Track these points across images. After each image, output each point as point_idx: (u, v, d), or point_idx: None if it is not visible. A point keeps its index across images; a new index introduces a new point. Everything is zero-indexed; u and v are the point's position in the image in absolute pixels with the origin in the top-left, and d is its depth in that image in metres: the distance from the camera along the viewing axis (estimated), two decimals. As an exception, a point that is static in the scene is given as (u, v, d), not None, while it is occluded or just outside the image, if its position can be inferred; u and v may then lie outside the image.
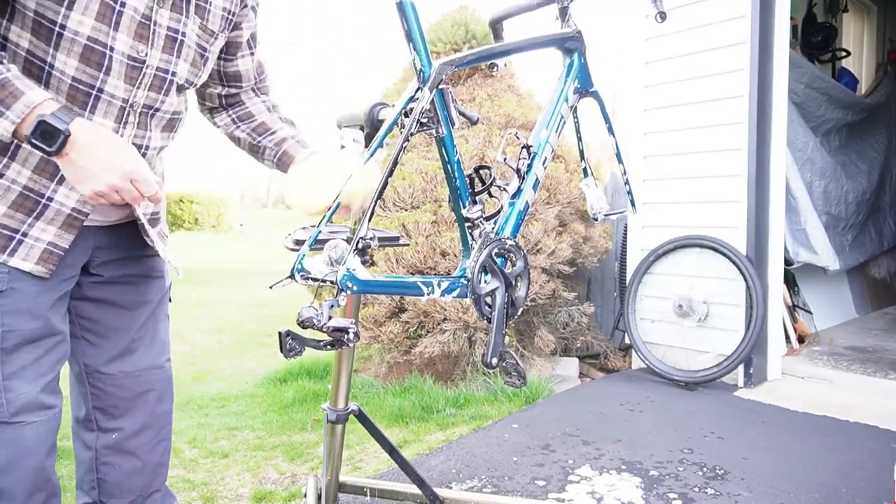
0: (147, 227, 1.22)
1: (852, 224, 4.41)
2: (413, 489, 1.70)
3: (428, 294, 1.24)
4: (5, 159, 1.06)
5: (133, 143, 1.16)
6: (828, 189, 4.10)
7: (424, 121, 1.22)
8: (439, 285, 1.26)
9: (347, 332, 1.09)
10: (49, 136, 0.93)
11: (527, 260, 1.40)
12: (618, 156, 1.71)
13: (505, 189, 1.42)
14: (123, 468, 1.30)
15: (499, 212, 1.42)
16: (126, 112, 1.13)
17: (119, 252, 1.26)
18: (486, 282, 1.33)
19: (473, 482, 2.08)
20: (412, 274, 2.86)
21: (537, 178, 1.45)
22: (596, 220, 1.64)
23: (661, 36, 3.41)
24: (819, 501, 1.92)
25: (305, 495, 1.66)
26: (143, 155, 1.20)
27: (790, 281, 3.93)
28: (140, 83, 1.12)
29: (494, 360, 1.32)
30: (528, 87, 3.68)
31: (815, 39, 4.76)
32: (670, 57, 3.39)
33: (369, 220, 1.16)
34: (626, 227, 3.76)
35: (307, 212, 1.20)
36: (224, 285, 8.04)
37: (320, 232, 1.13)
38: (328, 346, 1.10)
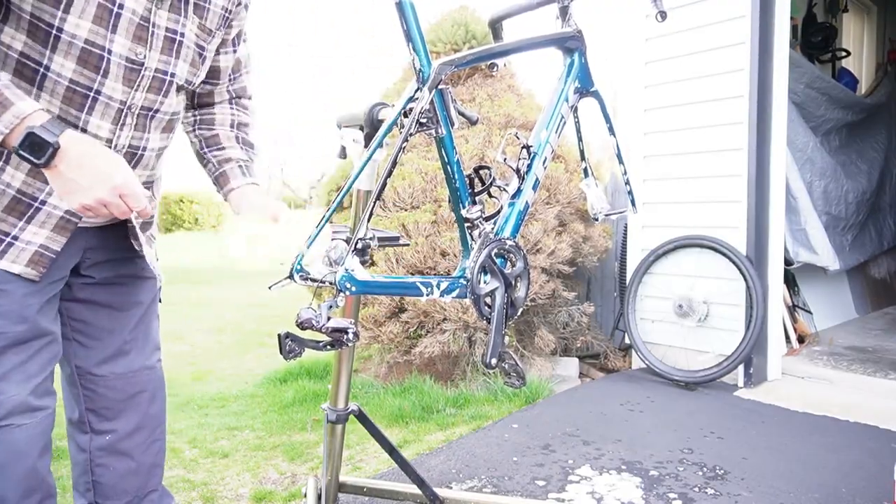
0: (138, 230, 1.22)
1: (852, 224, 4.41)
2: (413, 489, 1.70)
3: (427, 294, 1.24)
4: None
5: (131, 144, 1.16)
6: (828, 189, 4.10)
7: (424, 121, 1.22)
8: (439, 286, 1.25)
9: (346, 333, 1.09)
10: (38, 147, 0.91)
11: (526, 260, 1.40)
12: (618, 156, 1.71)
13: (505, 189, 1.42)
14: (118, 469, 1.30)
15: (498, 212, 1.42)
16: (123, 114, 1.12)
17: (110, 253, 1.25)
18: (485, 282, 1.33)
19: (473, 482, 2.07)
20: (412, 274, 2.86)
21: (537, 178, 1.45)
22: (596, 219, 1.64)
23: (661, 36, 3.41)
24: (819, 501, 1.92)
25: (305, 495, 1.65)
26: (142, 156, 1.20)
27: (790, 281, 3.93)
28: (139, 85, 1.11)
29: (494, 361, 1.32)
30: (528, 87, 3.68)
31: (815, 39, 4.76)
32: (670, 57, 3.39)
33: (368, 220, 1.16)
34: (626, 227, 3.76)
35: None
36: (224, 285, 8.04)
37: (320, 232, 1.13)
38: (327, 347, 1.10)
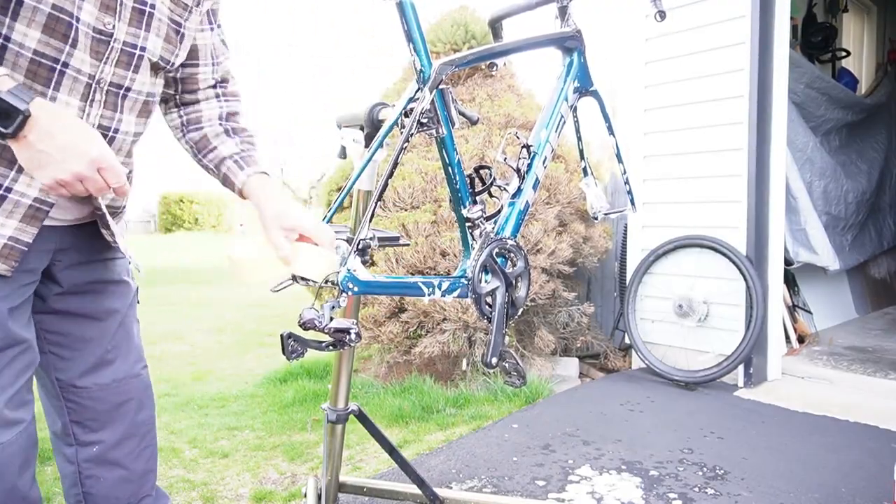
0: (108, 217, 1.12)
1: (852, 224, 4.41)
2: (413, 489, 1.70)
3: (429, 294, 1.24)
4: None
5: (101, 125, 1.07)
6: (828, 189, 4.10)
7: (424, 121, 1.22)
8: (440, 286, 1.26)
9: (349, 333, 1.09)
10: (5, 115, 0.82)
11: (527, 260, 1.40)
12: (618, 156, 1.71)
13: (505, 189, 1.42)
14: (109, 479, 1.23)
15: (499, 212, 1.42)
16: (92, 89, 1.03)
17: (82, 255, 1.16)
18: (486, 281, 1.33)
19: (473, 482, 2.08)
20: (412, 274, 2.86)
21: (537, 178, 1.45)
22: (596, 219, 1.64)
23: (661, 36, 3.41)
24: (819, 501, 1.92)
25: (305, 495, 1.66)
26: (113, 139, 1.11)
27: (790, 281, 3.94)
28: (107, 58, 1.03)
29: (494, 360, 1.33)
30: (528, 86, 3.68)
31: (815, 39, 4.76)
32: (670, 57, 3.39)
33: (370, 220, 1.16)
34: (626, 227, 3.76)
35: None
36: (224, 285, 8.04)
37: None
38: (330, 347, 1.10)
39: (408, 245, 2.83)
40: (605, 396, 2.99)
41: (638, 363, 3.47)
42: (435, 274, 2.71)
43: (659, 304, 3.42)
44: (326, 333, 1.07)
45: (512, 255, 1.38)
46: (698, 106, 3.29)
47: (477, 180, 1.37)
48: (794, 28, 4.36)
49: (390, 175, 1.16)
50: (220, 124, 1.26)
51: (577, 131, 1.64)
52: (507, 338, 2.12)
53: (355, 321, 1.35)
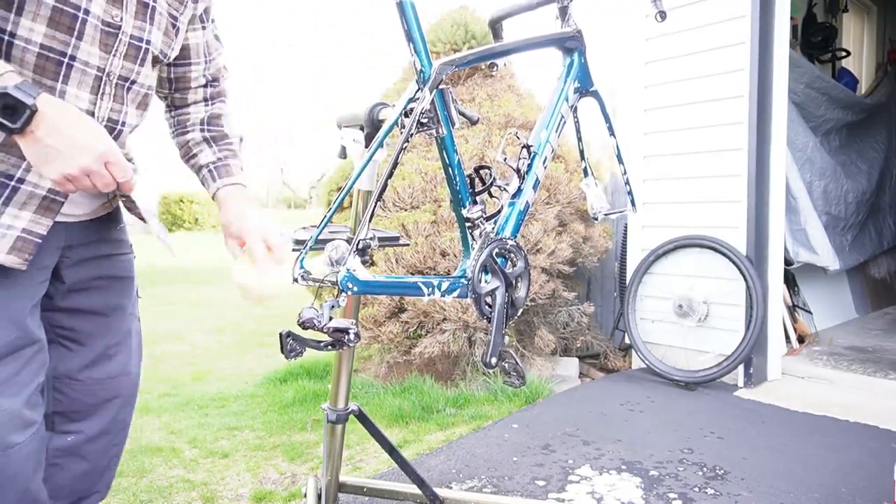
0: (135, 202, 1.14)
1: (852, 224, 4.41)
2: (413, 489, 1.70)
3: (429, 294, 1.24)
4: None
5: (110, 118, 1.08)
6: (828, 189, 4.10)
7: (424, 121, 1.22)
8: (440, 286, 1.26)
9: (348, 333, 1.09)
10: (12, 110, 0.82)
11: (527, 260, 1.40)
12: (618, 156, 1.71)
13: (505, 189, 1.42)
14: (72, 471, 1.23)
15: (499, 212, 1.42)
16: (102, 82, 1.03)
17: (88, 251, 1.17)
18: (486, 281, 1.33)
19: (473, 482, 2.08)
20: (412, 274, 2.86)
21: (537, 178, 1.45)
22: (596, 219, 1.64)
23: (661, 36, 3.41)
24: (819, 501, 1.92)
25: (305, 495, 1.66)
26: (119, 132, 1.12)
27: (790, 281, 3.94)
28: (116, 51, 1.03)
29: (494, 360, 1.33)
30: (528, 87, 3.68)
31: (815, 39, 4.76)
32: (670, 57, 3.39)
33: (369, 220, 1.16)
34: (626, 227, 3.76)
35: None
36: (224, 285, 8.03)
37: (321, 232, 1.13)
38: (329, 347, 1.10)
39: (408, 245, 2.83)
40: (605, 396, 2.99)
41: (638, 363, 3.47)
42: (435, 274, 2.71)
43: (659, 304, 3.42)
44: (325, 333, 1.08)
45: (512, 255, 1.38)
46: (698, 106, 3.29)
47: (477, 180, 1.37)
48: (794, 28, 4.36)
49: (390, 175, 1.16)
50: (202, 131, 1.30)
51: (578, 132, 1.64)
52: (506, 338, 2.12)
53: (354, 321, 1.35)
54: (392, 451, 1.65)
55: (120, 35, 1.03)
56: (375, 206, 1.17)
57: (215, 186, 1.24)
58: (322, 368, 3.42)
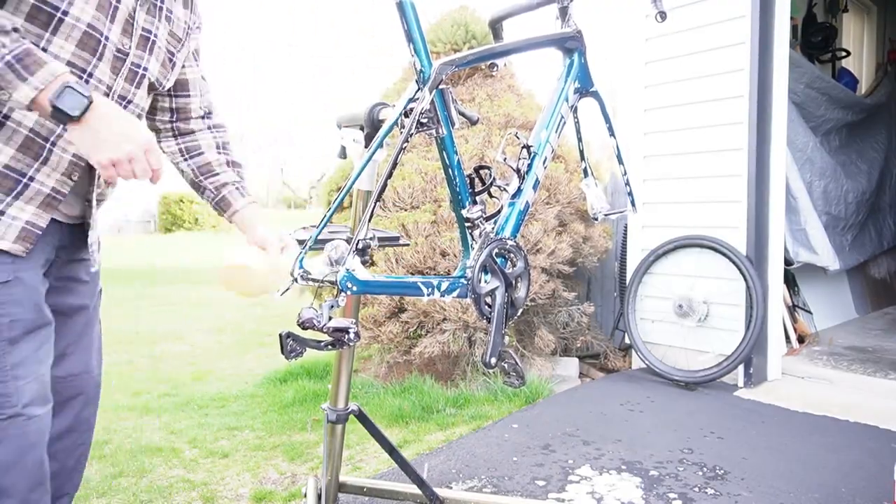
0: (94, 208, 1.25)
1: (852, 224, 4.41)
2: (413, 489, 1.70)
3: (429, 294, 1.24)
4: None
5: None
6: (828, 189, 4.10)
7: (424, 121, 1.22)
8: (440, 286, 1.26)
9: (348, 333, 1.09)
10: (75, 101, 0.97)
11: (527, 260, 1.40)
12: (618, 156, 1.71)
13: (505, 189, 1.42)
14: None
15: (499, 212, 1.42)
16: (109, 98, 1.17)
17: (69, 254, 1.28)
18: (486, 281, 1.33)
19: (473, 482, 2.08)
20: (412, 274, 2.86)
21: (537, 178, 1.45)
22: (596, 219, 1.64)
23: (661, 36, 3.41)
24: (819, 501, 1.92)
25: (305, 495, 1.66)
26: None
27: (790, 281, 3.93)
28: (120, 73, 1.19)
29: (493, 360, 1.33)
30: (528, 87, 3.68)
31: (815, 39, 4.76)
32: (670, 57, 3.39)
33: (369, 220, 1.16)
34: (626, 227, 3.76)
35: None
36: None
37: (321, 232, 1.13)
38: (329, 347, 1.10)
39: (407, 245, 2.83)
40: (605, 396, 2.99)
41: (638, 363, 3.47)
42: (435, 274, 2.71)
43: (659, 304, 3.42)
44: (325, 333, 1.08)
45: (512, 255, 1.38)
46: (698, 106, 3.29)
47: (477, 180, 1.37)
48: (794, 28, 4.35)
49: (390, 175, 1.16)
50: (220, 155, 1.45)
51: (578, 132, 1.64)
52: (506, 338, 2.12)
53: (354, 321, 1.35)
54: (392, 451, 1.65)
55: (126, 61, 1.19)
56: (375, 205, 1.17)
57: (244, 201, 1.40)
58: (322, 368, 3.42)
